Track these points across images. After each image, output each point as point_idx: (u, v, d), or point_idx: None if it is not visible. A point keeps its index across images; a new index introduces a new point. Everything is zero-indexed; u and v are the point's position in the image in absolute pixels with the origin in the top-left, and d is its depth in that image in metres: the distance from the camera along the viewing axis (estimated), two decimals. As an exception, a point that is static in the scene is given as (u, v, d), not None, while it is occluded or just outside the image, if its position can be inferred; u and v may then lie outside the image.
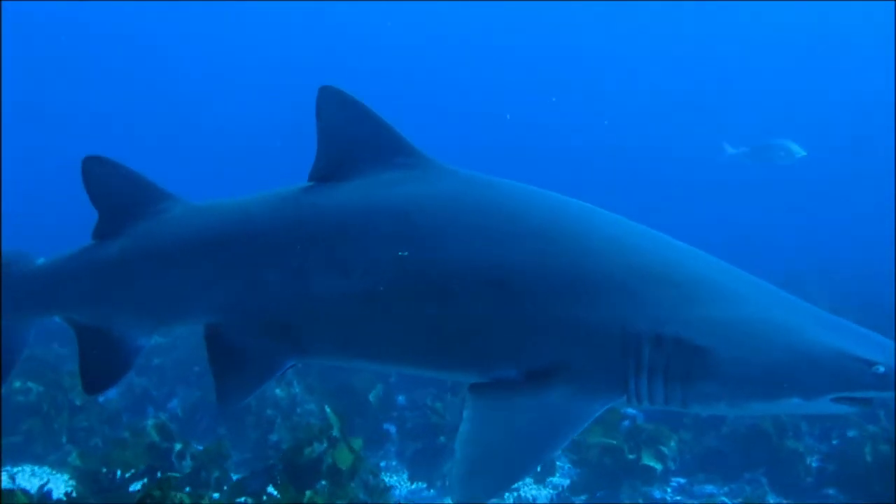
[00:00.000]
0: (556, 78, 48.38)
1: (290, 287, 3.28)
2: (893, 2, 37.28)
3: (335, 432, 5.60)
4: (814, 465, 7.40)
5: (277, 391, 7.96)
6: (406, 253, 3.11)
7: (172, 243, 3.59)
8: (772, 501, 6.98)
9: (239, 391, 3.42)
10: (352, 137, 3.42)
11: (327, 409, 6.01)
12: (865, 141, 44.55)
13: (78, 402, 7.79)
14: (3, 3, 33.08)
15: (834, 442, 7.82)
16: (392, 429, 8.40)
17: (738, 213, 38.39)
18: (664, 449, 7.04)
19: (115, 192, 3.74)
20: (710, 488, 7.27)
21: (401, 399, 9.10)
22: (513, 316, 2.98)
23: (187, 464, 5.74)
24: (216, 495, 5.52)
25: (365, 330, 3.20)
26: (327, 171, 3.45)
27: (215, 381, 3.40)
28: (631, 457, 6.92)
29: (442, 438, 7.59)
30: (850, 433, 7.64)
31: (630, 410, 7.49)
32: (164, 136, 45.13)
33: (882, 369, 2.76)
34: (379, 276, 3.12)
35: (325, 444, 5.50)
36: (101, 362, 3.73)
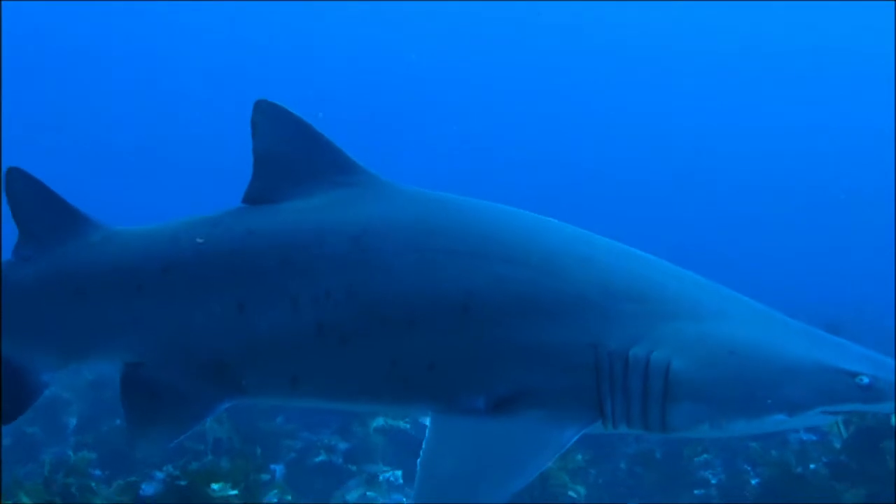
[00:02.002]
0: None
1: (226, 322, 3.03)
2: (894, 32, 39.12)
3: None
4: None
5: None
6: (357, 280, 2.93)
7: (89, 272, 3.30)
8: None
9: (162, 436, 3.09)
10: (291, 155, 3.23)
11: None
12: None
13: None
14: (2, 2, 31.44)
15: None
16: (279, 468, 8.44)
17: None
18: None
19: (33, 211, 3.47)
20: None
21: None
22: (475, 343, 2.83)
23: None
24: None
25: (316, 365, 2.98)
26: (264, 192, 3.25)
27: (131, 427, 3.11)
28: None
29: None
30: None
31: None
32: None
33: (866, 380, 2.66)
34: (331, 307, 2.92)
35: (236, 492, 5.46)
36: (5, 394, 3.37)
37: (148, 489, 5.68)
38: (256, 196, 3.26)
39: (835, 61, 49.46)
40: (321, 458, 8.17)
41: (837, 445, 5.91)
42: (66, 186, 3.55)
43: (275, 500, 5.95)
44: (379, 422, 8.49)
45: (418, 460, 2.63)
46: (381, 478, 8.07)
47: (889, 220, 36.50)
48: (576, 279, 2.88)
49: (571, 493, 7.26)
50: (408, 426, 8.97)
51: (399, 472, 8.49)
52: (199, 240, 3.13)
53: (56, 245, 3.41)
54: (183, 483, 5.49)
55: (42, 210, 3.46)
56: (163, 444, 3.11)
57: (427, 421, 8.09)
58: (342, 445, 8.30)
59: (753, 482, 7.23)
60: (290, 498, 6.76)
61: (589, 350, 2.75)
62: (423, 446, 2.67)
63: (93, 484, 5.70)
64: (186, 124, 49.65)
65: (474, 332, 2.84)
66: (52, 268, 3.38)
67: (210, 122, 48.01)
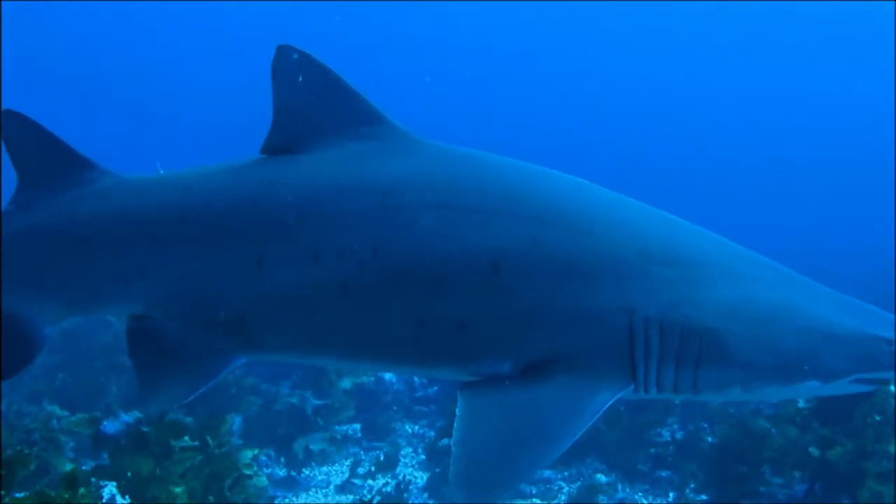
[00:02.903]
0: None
1: (244, 275, 2.93)
2: (893, 2, 38.73)
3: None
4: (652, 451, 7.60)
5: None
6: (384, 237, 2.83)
7: (98, 220, 3.17)
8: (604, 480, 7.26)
9: (176, 392, 2.97)
10: (313, 104, 3.09)
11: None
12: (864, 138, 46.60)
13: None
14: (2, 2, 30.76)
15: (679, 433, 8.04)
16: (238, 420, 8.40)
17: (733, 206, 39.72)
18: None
19: (33, 157, 3.33)
20: (547, 473, 7.47)
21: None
22: (506, 304, 2.74)
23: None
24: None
25: (337, 323, 2.87)
26: (285, 142, 3.11)
27: (142, 382, 3.00)
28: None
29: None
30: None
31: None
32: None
33: None
34: (355, 264, 2.80)
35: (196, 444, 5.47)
36: (3, 349, 3.23)
37: (110, 427, 5.62)
38: (276, 146, 3.13)
39: (837, 29, 49.50)
40: (287, 408, 8.16)
41: (801, 402, 6.02)
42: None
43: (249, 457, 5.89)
44: (346, 384, 8.47)
45: (451, 440, 2.54)
46: (338, 433, 8.11)
47: (889, 192, 37.05)
48: (610, 242, 2.81)
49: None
50: (370, 380, 9.00)
51: (357, 426, 8.55)
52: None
53: (60, 192, 3.28)
54: (146, 429, 5.43)
55: (43, 155, 3.33)
56: (177, 400, 3.02)
57: (388, 376, 8.09)
58: (314, 401, 8.27)
59: (710, 440, 7.39)
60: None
61: (624, 314, 2.69)
62: (456, 424, 2.58)
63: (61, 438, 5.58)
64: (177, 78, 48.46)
65: (505, 294, 2.75)
66: (56, 215, 3.24)
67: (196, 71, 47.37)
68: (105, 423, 5.70)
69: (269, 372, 9.36)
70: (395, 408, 9.35)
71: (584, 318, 2.71)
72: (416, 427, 9.19)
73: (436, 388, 9.89)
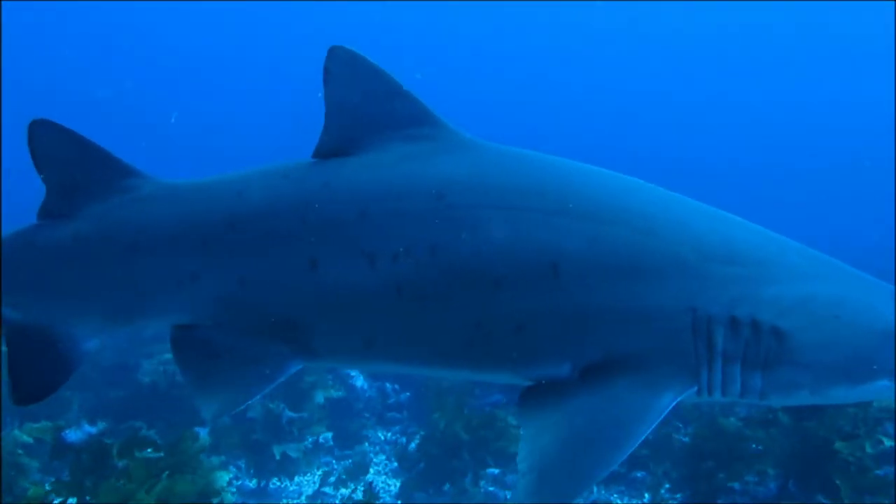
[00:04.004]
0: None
1: (298, 279, 2.88)
2: (893, 3, 38.76)
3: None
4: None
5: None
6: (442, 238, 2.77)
7: (141, 227, 3.07)
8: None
9: (231, 398, 2.90)
10: (366, 105, 3.05)
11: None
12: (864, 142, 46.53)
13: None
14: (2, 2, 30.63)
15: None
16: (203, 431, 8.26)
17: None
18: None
19: (68, 165, 3.20)
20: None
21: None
22: (565, 305, 2.68)
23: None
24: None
25: (394, 327, 2.83)
26: (338, 145, 3.06)
27: (194, 389, 2.94)
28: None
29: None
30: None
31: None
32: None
33: None
34: (412, 266, 2.76)
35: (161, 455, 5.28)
36: (38, 367, 3.14)
37: (72, 436, 5.51)
38: (329, 149, 3.08)
39: (837, 29, 49.79)
40: (262, 415, 7.99)
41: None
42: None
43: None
44: (320, 398, 8.34)
45: (518, 458, 2.48)
46: (309, 440, 8.01)
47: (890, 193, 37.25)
48: (670, 240, 2.74)
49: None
50: (341, 393, 8.87)
51: (329, 434, 8.45)
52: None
53: (101, 200, 3.17)
54: (109, 441, 5.30)
55: (81, 163, 3.20)
56: (231, 407, 2.92)
57: (359, 383, 7.98)
58: (289, 413, 8.12)
59: (685, 439, 7.36)
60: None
61: (687, 314, 2.62)
62: (521, 443, 2.51)
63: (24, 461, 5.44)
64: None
65: (564, 295, 2.68)
66: (98, 224, 3.13)
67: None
68: (67, 431, 5.59)
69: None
70: (366, 415, 9.27)
71: (645, 319, 2.65)
72: (389, 434, 9.12)
73: (408, 393, 9.81)
